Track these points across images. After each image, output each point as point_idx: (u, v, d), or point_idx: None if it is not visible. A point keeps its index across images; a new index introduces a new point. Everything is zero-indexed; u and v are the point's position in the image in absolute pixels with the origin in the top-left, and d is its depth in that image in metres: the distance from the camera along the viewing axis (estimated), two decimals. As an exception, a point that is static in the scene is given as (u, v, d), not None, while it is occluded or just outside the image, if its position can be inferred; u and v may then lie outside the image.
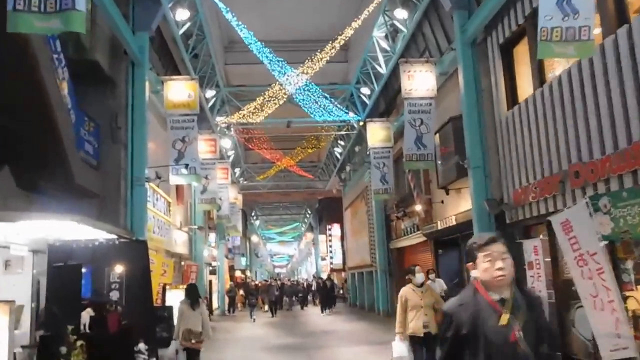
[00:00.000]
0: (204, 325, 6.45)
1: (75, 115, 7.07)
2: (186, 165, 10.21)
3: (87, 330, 5.70)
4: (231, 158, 22.26)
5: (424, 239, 12.67)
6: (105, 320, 5.85)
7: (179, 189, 14.34)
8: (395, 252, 15.99)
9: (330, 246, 38.78)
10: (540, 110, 7.09)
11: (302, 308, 21.75)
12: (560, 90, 6.59)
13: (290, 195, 33.47)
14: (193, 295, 6.65)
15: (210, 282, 22.26)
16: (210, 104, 15.60)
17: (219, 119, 16.92)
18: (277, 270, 71.41)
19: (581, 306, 6.74)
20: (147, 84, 9.16)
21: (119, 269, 7.02)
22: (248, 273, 40.29)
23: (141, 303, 7.34)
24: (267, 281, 27.33)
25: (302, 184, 29.88)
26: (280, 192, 30.36)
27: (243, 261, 39.95)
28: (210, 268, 22.45)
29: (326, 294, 19.01)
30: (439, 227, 11.01)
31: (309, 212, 42.83)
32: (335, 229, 38.50)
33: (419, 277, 6.06)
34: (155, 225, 10.84)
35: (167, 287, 11.02)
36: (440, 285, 9.55)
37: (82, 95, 7.68)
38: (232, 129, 17.32)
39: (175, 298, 11.47)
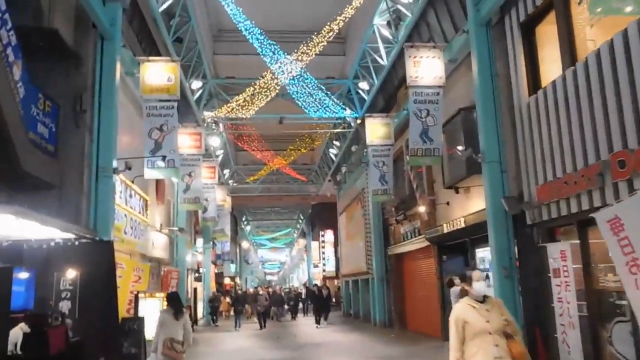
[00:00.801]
0: (186, 334, 5.97)
1: (25, 90, 5.94)
2: (163, 158, 9.08)
3: (19, 352, 4.53)
4: (220, 158, 21.11)
5: (427, 244, 11.61)
6: (46, 337, 4.68)
7: (159, 186, 13.17)
8: (394, 258, 14.91)
9: (323, 253, 37.76)
10: (571, 92, 6.09)
11: (293, 318, 20.03)
12: (598, 67, 5.60)
13: (283, 200, 32.30)
14: (176, 305, 6.09)
15: (195, 289, 20.98)
16: (197, 96, 14.49)
17: (206, 113, 15.81)
18: (268, 277, 69.89)
19: (621, 321, 5.75)
20: (118, 62, 8.04)
21: (71, 274, 5.85)
22: (238, 280, 38.91)
23: (102, 314, 6.20)
24: (256, 288, 25.85)
25: (294, 188, 28.77)
26: (272, 195, 29.19)
27: (232, 268, 38.60)
28: (196, 275, 21.20)
29: (321, 303, 17.00)
30: (445, 230, 9.97)
31: (302, 217, 41.67)
32: (329, 235, 37.55)
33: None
34: (128, 225, 9.65)
35: (141, 295, 9.85)
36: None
37: (38, 69, 6.56)
38: (220, 124, 16.19)
39: (150, 308, 10.32)
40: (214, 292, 21.15)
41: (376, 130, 12.61)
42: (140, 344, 8.23)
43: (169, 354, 5.71)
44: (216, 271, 30.09)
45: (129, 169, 8.14)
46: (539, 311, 6.69)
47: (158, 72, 9.24)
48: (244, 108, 14.28)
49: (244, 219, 41.40)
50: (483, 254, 9.40)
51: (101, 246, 6.66)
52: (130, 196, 9.95)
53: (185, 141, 12.96)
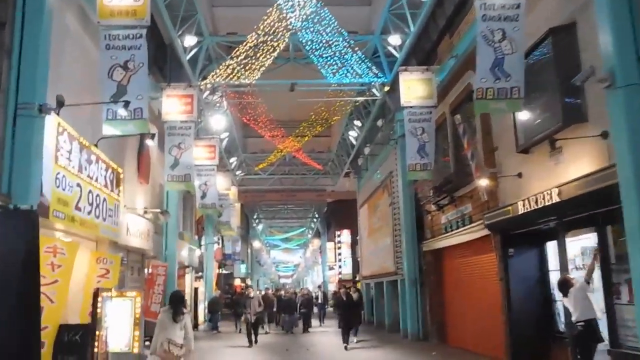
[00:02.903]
0: (187, 338, 5.61)
1: None
2: (126, 104, 6.52)
3: None
4: (225, 142, 18.60)
5: (483, 233, 8.78)
6: None
7: (142, 161, 10.63)
8: (431, 255, 12.05)
9: (339, 254, 35.31)
10: None
11: (305, 330, 15.31)
12: None
13: (296, 196, 29.69)
14: (175, 305, 5.66)
15: (196, 290, 18.44)
16: (190, 55, 11.96)
17: (205, 83, 13.27)
18: (282, 280, 67.33)
19: None
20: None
21: None
22: (249, 282, 36.53)
23: (11, 317, 4.09)
24: (266, 289, 22.93)
25: (309, 182, 26.09)
26: (285, 190, 26.58)
27: (243, 268, 36.15)
28: (196, 274, 18.68)
29: (352, 313, 11.57)
30: (519, 211, 7.12)
31: (317, 216, 39.00)
32: (345, 235, 35.08)
33: None
34: (84, 200, 7.07)
35: (107, 294, 7.37)
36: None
37: None
38: (219, 92, 13.62)
39: (118, 310, 7.78)
40: (214, 295, 18.48)
41: (413, 87, 9.84)
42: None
43: (164, 356, 5.39)
44: (225, 271, 27.59)
45: (61, 104, 5.59)
46: None
47: (121, -13, 6.73)
48: (247, 69, 11.67)
49: (255, 217, 38.94)
50: (579, 244, 6.56)
51: (16, 217, 4.37)
52: (90, 162, 7.39)
53: (173, 105, 10.45)
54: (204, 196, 13.51)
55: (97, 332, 6.90)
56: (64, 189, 6.33)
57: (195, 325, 17.61)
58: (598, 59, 5.13)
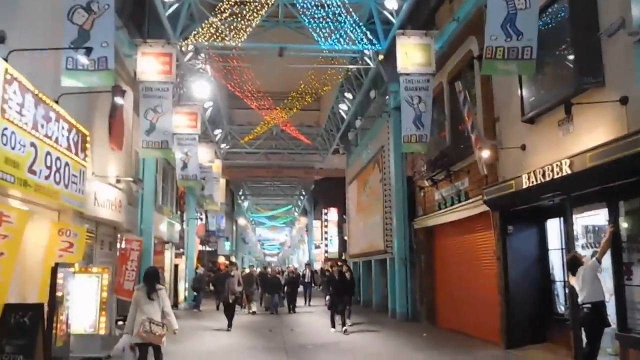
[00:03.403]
0: (167, 315, 5.31)
1: None
2: (88, 51, 5.66)
3: None
4: (209, 111, 17.65)
5: (480, 210, 8.26)
6: None
7: (115, 125, 9.72)
8: (422, 233, 11.57)
9: (326, 232, 34.98)
10: None
11: (291, 310, 14.58)
12: None
13: (283, 172, 28.98)
14: (150, 281, 5.42)
15: (177, 267, 17.80)
16: (170, 11, 10.92)
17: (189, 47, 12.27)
18: (268, 258, 67.18)
19: None
20: None
21: None
22: (233, 259, 36.07)
23: None
24: (250, 267, 22.30)
25: (297, 158, 25.34)
26: (272, 165, 25.83)
27: (227, 246, 35.62)
28: (177, 251, 18.00)
29: (344, 293, 10.23)
30: (524, 185, 6.57)
31: (304, 193, 38.42)
32: (332, 213, 34.69)
33: None
34: (40, 162, 6.25)
35: (68, 269, 6.68)
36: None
37: None
38: (202, 55, 12.64)
39: (82, 287, 7.12)
40: (197, 272, 17.83)
41: (411, 53, 9.07)
42: (34, 349, 5.01)
43: (146, 337, 5.11)
44: (209, 249, 26.97)
45: (2, 40, 4.74)
46: None
47: None
48: (232, 30, 10.72)
49: (240, 193, 38.18)
50: (586, 221, 6.06)
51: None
52: (48, 119, 6.53)
53: (150, 64, 9.50)
54: (184, 167, 12.71)
55: (56, 312, 6.23)
56: (13, 148, 5.50)
57: (176, 304, 17.04)
58: (620, 15, 4.49)
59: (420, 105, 8.99)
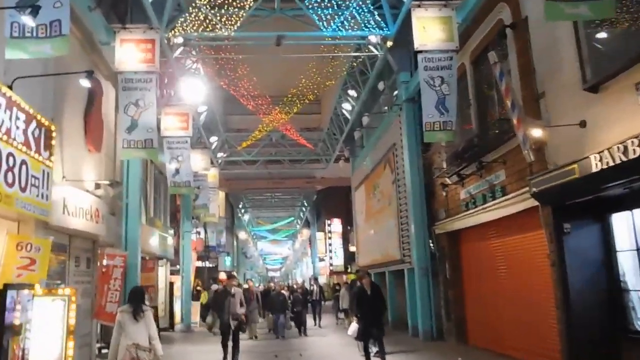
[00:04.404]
0: (152, 339, 4.97)
1: None
2: (34, 10, 4.40)
3: None
4: (203, 116, 16.44)
5: (521, 207, 6.93)
6: None
7: (91, 121, 8.44)
8: (446, 238, 10.20)
9: (330, 244, 33.71)
10: None
11: (302, 333, 12.53)
12: None
13: (284, 183, 27.75)
14: (135, 302, 5.09)
15: (172, 285, 16.35)
16: (154, -3, 9.74)
17: (175, 40, 11.08)
18: (270, 273, 65.37)
19: None
20: None
21: None
22: (234, 274, 34.49)
23: None
24: (248, 282, 20.16)
25: (297, 167, 24.07)
26: (272, 174, 24.56)
27: (228, 261, 34.14)
28: (172, 267, 16.58)
29: (380, 311, 7.58)
30: (593, 169, 5.23)
31: (306, 204, 37.09)
32: (336, 224, 33.54)
33: None
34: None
35: (27, 291, 5.39)
36: None
37: None
38: (192, 51, 11.42)
39: (45, 314, 5.78)
40: (214, 288, 15.39)
41: (430, 28, 7.85)
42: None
43: None
44: (209, 264, 25.47)
45: None
46: None
47: None
48: (223, 18, 9.52)
49: (240, 206, 36.83)
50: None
51: None
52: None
53: (129, 52, 8.25)
54: (175, 173, 11.42)
55: (9, 345, 4.92)
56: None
57: (172, 325, 15.55)
58: None
59: (443, 87, 7.73)
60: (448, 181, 9.64)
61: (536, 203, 6.49)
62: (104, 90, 8.95)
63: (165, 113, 11.44)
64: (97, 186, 8.33)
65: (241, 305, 7.89)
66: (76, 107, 7.99)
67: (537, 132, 6.12)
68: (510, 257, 7.76)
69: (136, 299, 5.20)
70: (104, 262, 8.76)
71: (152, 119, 8.15)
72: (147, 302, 6.05)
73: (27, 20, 4.48)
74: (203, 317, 14.38)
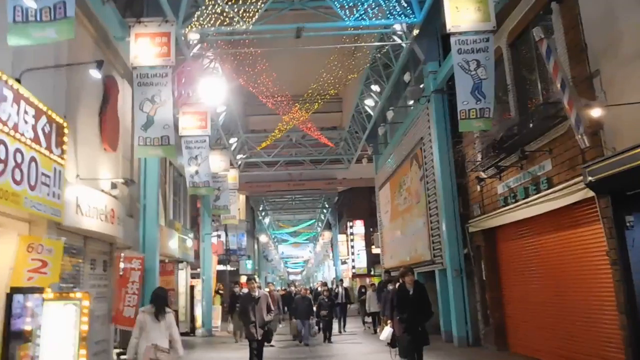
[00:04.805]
0: (174, 341, 4.92)
1: None
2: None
3: None
4: (222, 117, 16.15)
5: (574, 199, 6.20)
6: None
7: (107, 118, 8.15)
8: (481, 237, 9.49)
9: (352, 247, 33.18)
10: None
11: (327, 339, 11.66)
12: None
13: (304, 185, 27.32)
14: (158, 303, 5.03)
15: (192, 288, 16.06)
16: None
17: (192, 36, 10.77)
18: (291, 277, 65.05)
19: None
20: None
21: None
22: (257, 278, 34.23)
23: None
24: (269, 285, 19.57)
25: (318, 169, 23.58)
26: (291, 174, 24.16)
27: (249, 265, 33.95)
28: (193, 271, 16.30)
29: (426, 315, 6.13)
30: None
31: (327, 206, 36.55)
32: (358, 226, 33.03)
33: None
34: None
35: (37, 295, 5.09)
36: None
37: None
38: (211, 50, 11.07)
39: (56, 319, 5.45)
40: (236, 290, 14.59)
41: (463, 7, 7.23)
42: None
43: None
44: (230, 268, 25.23)
45: None
46: None
47: None
48: (240, 13, 9.12)
49: (261, 209, 36.60)
50: None
51: None
52: (2, 99, 4.91)
53: (144, 47, 7.91)
54: (194, 174, 11.06)
55: (17, 352, 4.59)
56: None
57: (192, 330, 15.24)
58: None
59: (479, 71, 7.09)
60: (483, 175, 8.94)
61: (591, 194, 5.77)
62: (120, 88, 8.66)
63: (183, 112, 11.13)
64: (114, 186, 8.00)
65: (268, 310, 7.01)
66: (91, 105, 7.71)
67: (592, 114, 5.42)
68: (558, 256, 7.01)
69: (159, 300, 5.08)
70: (121, 265, 8.43)
71: (169, 116, 7.77)
72: (169, 305, 5.82)
73: (30, 2, 4.13)
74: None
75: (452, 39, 7.12)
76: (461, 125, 7.09)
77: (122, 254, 8.50)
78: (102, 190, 7.70)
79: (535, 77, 7.49)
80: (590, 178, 5.63)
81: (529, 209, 7.44)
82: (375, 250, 27.40)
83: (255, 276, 30.39)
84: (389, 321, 7.43)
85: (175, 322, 5.27)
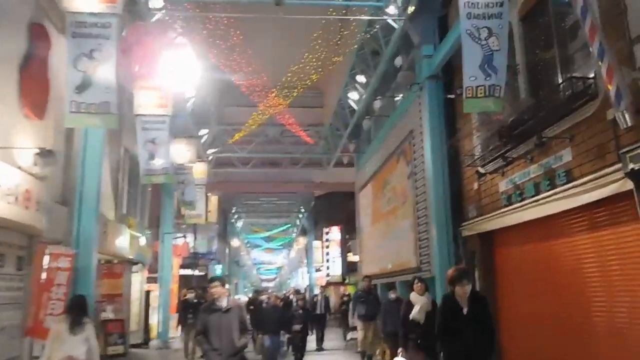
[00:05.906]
0: (91, 351, 4.60)
1: None
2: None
3: None
4: (191, 102, 14.62)
5: (604, 194, 5.07)
6: None
7: (30, 77, 6.58)
8: (477, 242, 8.31)
9: (327, 254, 32.05)
10: None
11: (298, 357, 9.72)
12: None
13: (280, 186, 25.94)
14: (74, 313, 4.71)
15: (148, 293, 14.33)
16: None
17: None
18: (264, 284, 62.97)
19: None
20: None
21: None
22: (227, 285, 32.29)
23: None
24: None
25: (295, 169, 22.25)
26: (266, 174, 22.74)
27: (219, 270, 32.02)
28: (150, 274, 14.59)
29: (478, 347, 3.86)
30: None
31: (303, 211, 35.18)
32: (334, 232, 31.83)
33: None
34: None
35: None
36: None
37: None
38: (173, 6, 9.62)
39: None
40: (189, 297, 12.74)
41: (473, -35, 6.10)
42: None
43: None
44: (199, 273, 23.41)
45: None
46: None
47: None
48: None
49: (233, 211, 34.89)
50: None
51: None
52: None
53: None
54: (150, 158, 9.50)
55: None
56: None
57: (146, 341, 13.49)
58: None
59: (490, 41, 5.92)
60: (482, 170, 7.79)
61: (629, 186, 4.63)
62: (53, 43, 7.11)
63: (140, 87, 9.60)
64: (36, 162, 6.42)
65: (242, 330, 4.69)
66: (6, 59, 6.14)
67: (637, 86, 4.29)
68: (573, 264, 5.87)
69: (77, 309, 4.79)
70: (45, 263, 6.81)
71: (111, 77, 6.24)
72: (89, 315, 5.13)
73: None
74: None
75: (461, 2, 5.94)
76: (466, 104, 5.88)
77: (47, 250, 6.89)
78: (21, 168, 6.11)
79: (553, 55, 6.40)
80: (632, 166, 4.48)
81: (540, 209, 6.28)
82: (352, 257, 26.19)
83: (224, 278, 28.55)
84: (399, 350, 5.39)
85: (94, 334, 4.81)
